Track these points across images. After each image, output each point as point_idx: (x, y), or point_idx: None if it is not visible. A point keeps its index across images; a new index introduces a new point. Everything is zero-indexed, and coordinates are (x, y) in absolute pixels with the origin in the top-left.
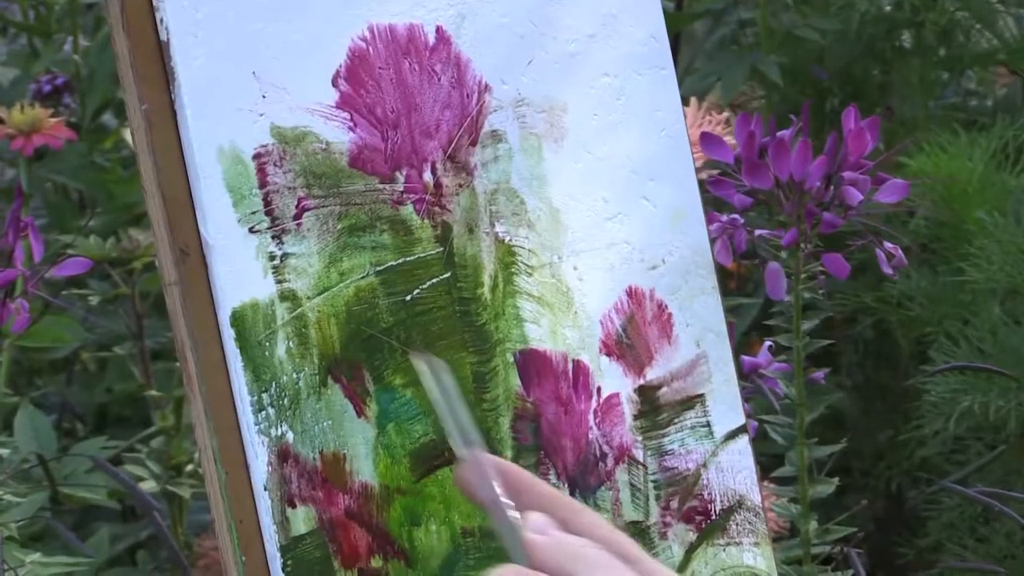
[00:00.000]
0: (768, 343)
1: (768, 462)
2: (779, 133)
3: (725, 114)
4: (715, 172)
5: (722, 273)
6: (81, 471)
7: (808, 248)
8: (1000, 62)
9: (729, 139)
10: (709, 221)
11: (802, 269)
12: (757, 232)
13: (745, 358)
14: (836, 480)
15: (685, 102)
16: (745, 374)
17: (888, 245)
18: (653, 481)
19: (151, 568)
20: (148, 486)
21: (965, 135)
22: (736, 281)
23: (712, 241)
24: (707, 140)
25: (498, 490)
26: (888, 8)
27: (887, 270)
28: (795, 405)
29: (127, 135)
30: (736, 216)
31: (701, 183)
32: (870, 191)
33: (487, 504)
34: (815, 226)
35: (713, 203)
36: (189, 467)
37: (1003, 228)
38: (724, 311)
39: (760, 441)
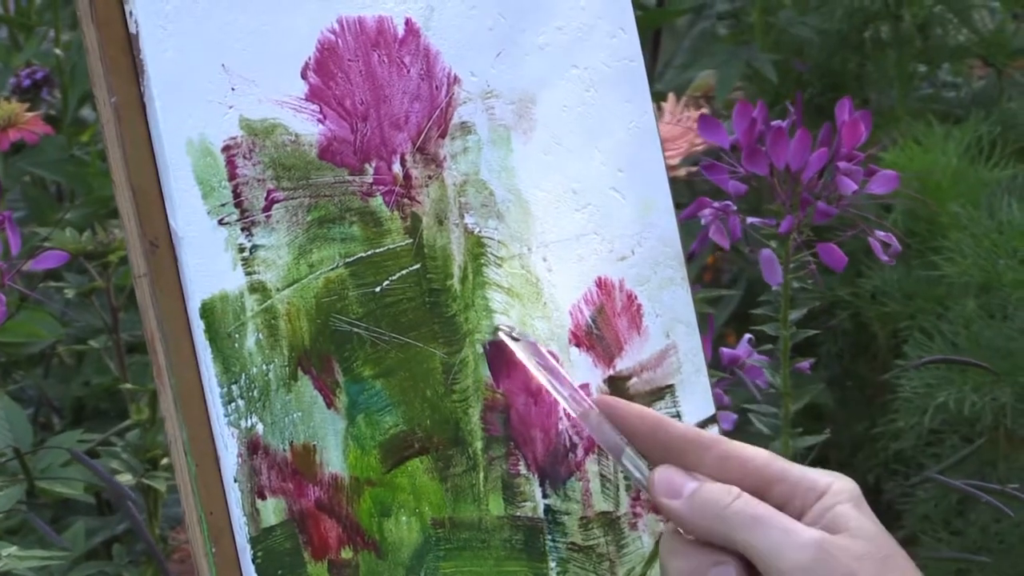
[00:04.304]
0: (748, 335)
1: None
2: (775, 123)
3: (703, 110)
4: (693, 167)
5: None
6: (57, 464)
7: (800, 238)
8: (976, 55)
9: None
10: (700, 207)
11: (792, 258)
12: (748, 220)
13: (724, 350)
14: None
15: (665, 97)
16: (723, 366)
17: (881, 234)
18: (623, 471)
19: (127, 561)
20: (124, 479)
21: (939, 129)
22: (711, 273)
23: (705, 227)
24: (705, 123)
25: (624, 444)
26: (866, 1)
27: (883, 258)
28: (781, 395)
29: None
30: (728, 202)
31: (676, 178)
32: (862, 182)
33: (612, 454)
34: (808, 215)
35: (696, 192)
36: (164, 460)
37: (977, 222)
38: (704, 303)
39: (738, 433)
